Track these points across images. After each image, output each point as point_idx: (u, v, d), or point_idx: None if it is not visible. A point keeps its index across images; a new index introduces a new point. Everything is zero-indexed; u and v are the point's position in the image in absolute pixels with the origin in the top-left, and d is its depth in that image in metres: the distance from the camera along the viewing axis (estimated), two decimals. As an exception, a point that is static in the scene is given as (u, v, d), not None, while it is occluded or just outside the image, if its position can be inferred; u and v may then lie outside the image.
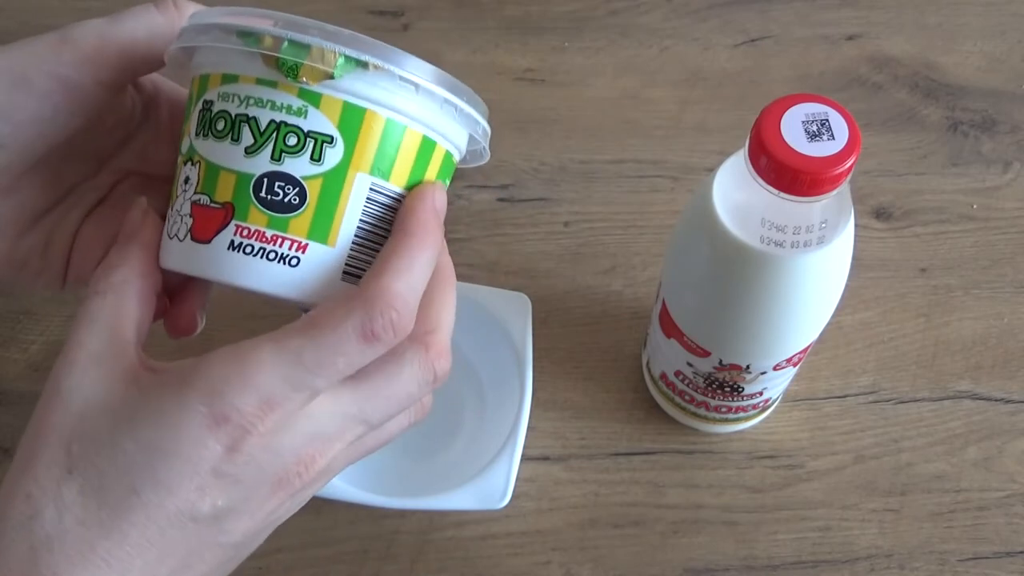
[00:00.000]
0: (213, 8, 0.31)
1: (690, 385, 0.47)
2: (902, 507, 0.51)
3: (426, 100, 0.30)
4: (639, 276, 0.57)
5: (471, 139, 0.34)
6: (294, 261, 0.30)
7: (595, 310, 0.56)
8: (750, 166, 0.34)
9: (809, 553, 0.49)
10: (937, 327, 0.56)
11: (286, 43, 0.29)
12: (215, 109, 0.30)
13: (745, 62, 0.66)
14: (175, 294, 0.34)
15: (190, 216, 0.30)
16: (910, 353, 0.55)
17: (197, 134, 0.31)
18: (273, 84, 0.29)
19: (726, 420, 0.50)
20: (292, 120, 0.29)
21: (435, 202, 0.31)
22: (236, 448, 0.27)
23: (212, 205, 0.30)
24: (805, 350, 0.44)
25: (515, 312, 0.50)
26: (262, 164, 0.29)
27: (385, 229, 0.31)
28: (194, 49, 0.31)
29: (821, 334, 0.43)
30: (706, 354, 0.43)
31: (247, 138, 0.29)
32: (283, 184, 0.29)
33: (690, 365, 0.45)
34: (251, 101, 0.30)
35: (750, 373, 0.44)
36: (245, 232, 0.30)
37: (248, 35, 0.29)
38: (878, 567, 0.49)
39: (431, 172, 0.32)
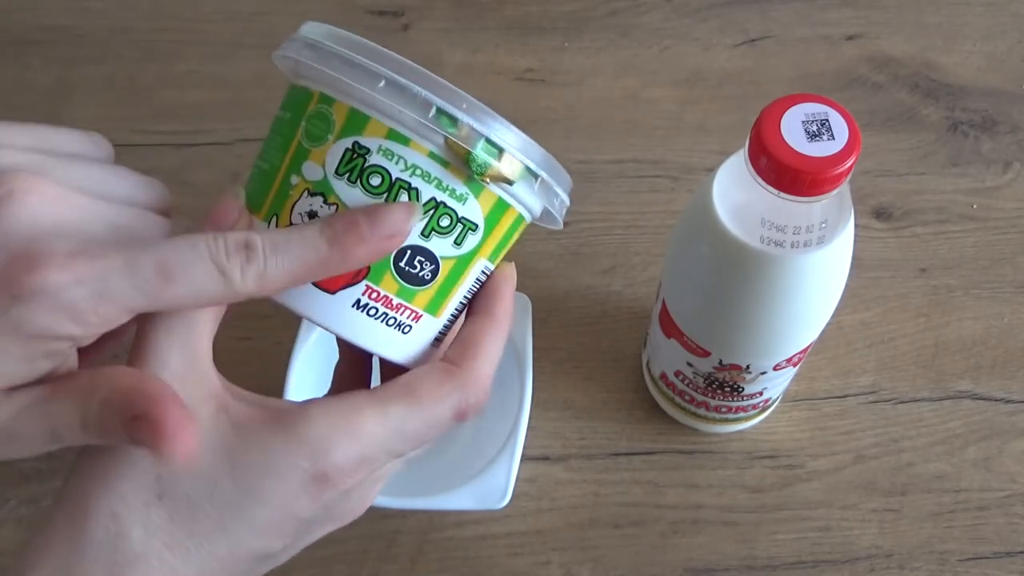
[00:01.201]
0: (368, 47, 0.29)
1: (690, 385, 0.47)
2: (902, 507, 0.51)
3: (542, 193, 0.31)
4: (639, 276, 0.57)
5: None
6: (407, 329, 0.30)
7: (595, 310, 0.56)
8: (750, 166, 0.34)
9: (809, 553, 0.49)
10: (937, 327, 0.56)
11: (483, 141, 0.29)
12: (371, 160, 0.29)
13: (745, 62, 0.66)
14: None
15: None
16: (910, 353, 0.55)
17: (339, 173, 0.29)
18: (445, 164, 0.29)
19: (726, 420, 0.50)
20: (451, 203, 0.29)
21: (514, 284, 0.33)
22: (321, 500, 0.28)
23: None
24: (805, 350, 0.44)
25: (515, 312, 0.50)
26: (410, 236, 0.29)
27: (469, 300, 0.32)
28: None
29: (821, 334, 0.43)
30: (706, 354, 0.43)
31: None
32: (423, 260, 0.30)
33: (690, 365, 0.45)
34: (418, 172, 0.29)
35: (750, 373, 0.44)
36: (374, 295, 0.30)
37: (446, 116, 0.28)
38: (878, 567, 0.49)
39: (513, 241, 0.33)
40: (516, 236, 0.32)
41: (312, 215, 0.29)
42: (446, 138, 0.28)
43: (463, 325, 0.32)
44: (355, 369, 0.36)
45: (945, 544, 0.50)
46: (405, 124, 0.29)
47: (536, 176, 0.30)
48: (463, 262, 0.31)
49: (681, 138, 0.62)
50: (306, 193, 0.29)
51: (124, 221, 0.28)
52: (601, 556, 0.49)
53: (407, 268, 0.30)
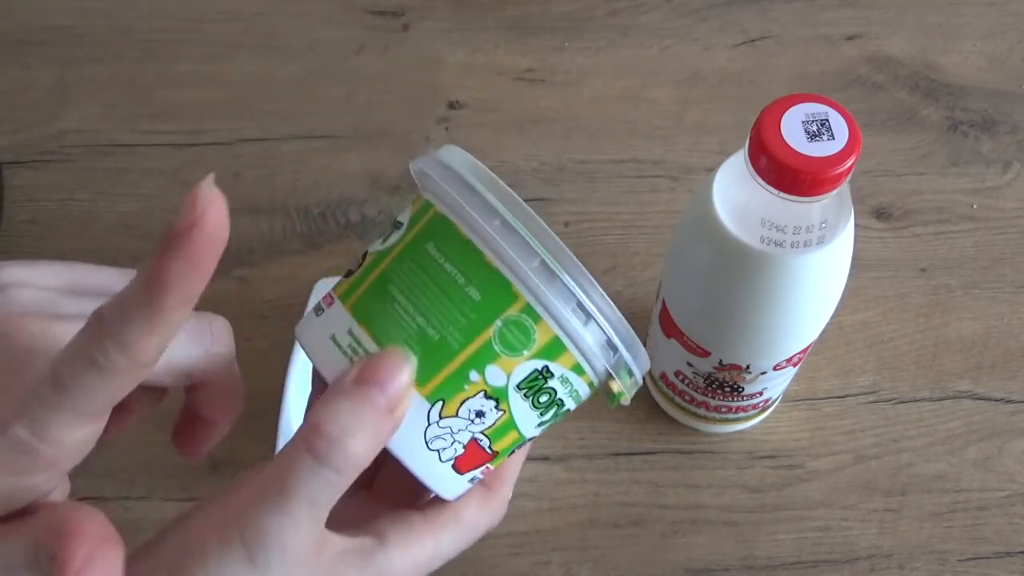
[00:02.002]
0: (587, 280, 0.28)
1: (690, 385, 0.47)
2: (902, 507, 0.51)
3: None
4: (639, 276, 0.57)
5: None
6: (476, 480, 0.32)
7: (595, 310, 0.56)
8: (750, 166, 0.34)
9: (809, 553, 0.49)
10: (937, 327, 0.56)
11: (632, 380, 0.30)
12: (548, 383, 0.29)
13: (745, 62, 0.66)
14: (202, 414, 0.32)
15: (463, 447, 0.29)
16: (910, 353, 0.55)
17: (519, 388, 0.29)
18: (591, 385, 0.30)
19: (726, 420, 0.50)
20: (572, 406, 0.31)
21: None
22: None
23: (486, 450, 0.30)
24: (805, 350, 0.44)
25: None
26: (533, 432, 0.31)
27: None
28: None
29: (821, 334, 0.43)
30: (706, 354, 0.43)
31: (548, 416, 0.30)
32: (523, 442, 0.31)
33: (690, 365, 0.45)
34: (573, 394, 0.30)
35: (750, 373, 0.44)
36: (486, 471, 0.31)
37: (626, 369, 0.30)
38: (878, 567, 0.49)
39: None
40: None
41: (480, 415, 0.29)
42: (609, 379, 0.30)
43: None
44: None
45: (945, 544, 0.50)
46: (593, 366, 0.30)
47: (637, 383, 0.32)
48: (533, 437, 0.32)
49: (681, 138, 0.62)
50: (482, 395, 0.29)
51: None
52: (601, 556, 0.49)
53: (511, 449, 0.31)
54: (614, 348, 0.29)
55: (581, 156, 0.62)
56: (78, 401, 0.25)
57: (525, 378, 0.29)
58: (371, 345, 0.28)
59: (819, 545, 0.50)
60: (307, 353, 0.30)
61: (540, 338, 0.28)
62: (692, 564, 0.49)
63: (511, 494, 0.33)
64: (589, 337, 0.29)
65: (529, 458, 0.51)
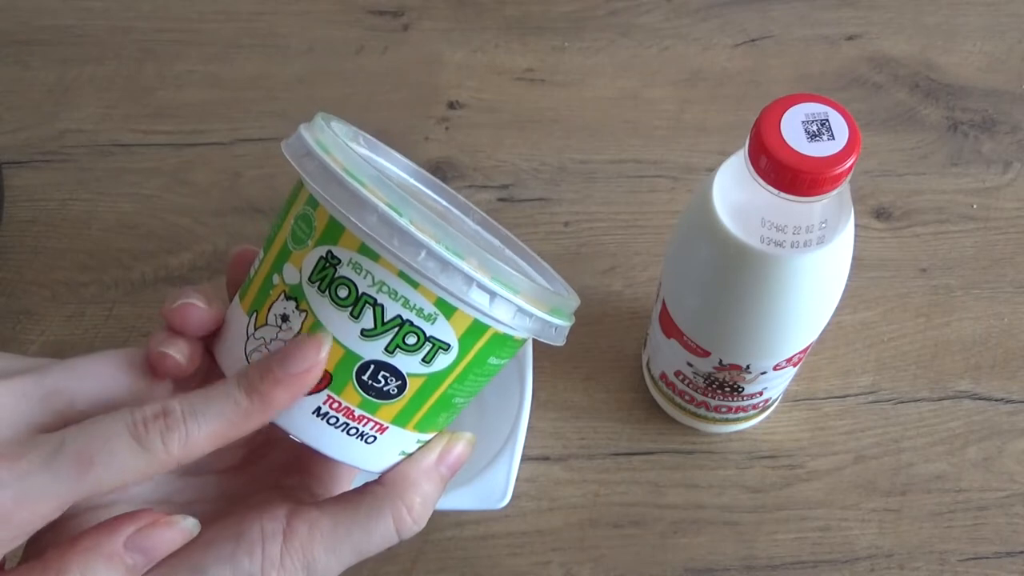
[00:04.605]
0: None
1: (690, 385, 0.47)
2: (902, 507, 0.51)
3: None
4: (639, 276, 0.57)
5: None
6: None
7: (595, 310, 0.56)
8: (750, 166, 0.34)
9: (809, 553, 0.49)
10: (937, 327, 0.56)
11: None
12: (340, 272, 0.31)
13: (745, 62, 0.66)
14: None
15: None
16: (910, 353, 0.55)
17: (311, 280, 0.29)
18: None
19: (726, 420, 0.50)
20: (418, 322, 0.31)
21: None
22: None
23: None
24: (805, 350, 0.44)
25: None
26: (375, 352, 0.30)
27: None
28: None
29: (821, 334, 0.43)
30: (706, 354, 0.43)
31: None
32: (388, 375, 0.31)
33: (690, 365, 0.45)
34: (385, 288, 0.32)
35: (750, 373, 0.44)
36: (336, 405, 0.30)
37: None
38: (878, 567, 0.49)
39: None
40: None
41: (285, 318, 0.29)
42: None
43: None
44: None
45: (945, 544, 0.50)
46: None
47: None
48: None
49: (681, 138, 0.62)
50: (283, 295, 0.29)
51: (63, 405, 0.28)
52: (601, 556, 0.49)
53: (370, 382, 0.29)
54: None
55: (581, 156, 0.62)
56: (97, 480, 0.25)
57: (313, 269, 0.30)
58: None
59: (819, 545, 0.50)
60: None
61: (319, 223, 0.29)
62: (692, 564, 0.49)
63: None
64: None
65: (529, 458, 0.51)
